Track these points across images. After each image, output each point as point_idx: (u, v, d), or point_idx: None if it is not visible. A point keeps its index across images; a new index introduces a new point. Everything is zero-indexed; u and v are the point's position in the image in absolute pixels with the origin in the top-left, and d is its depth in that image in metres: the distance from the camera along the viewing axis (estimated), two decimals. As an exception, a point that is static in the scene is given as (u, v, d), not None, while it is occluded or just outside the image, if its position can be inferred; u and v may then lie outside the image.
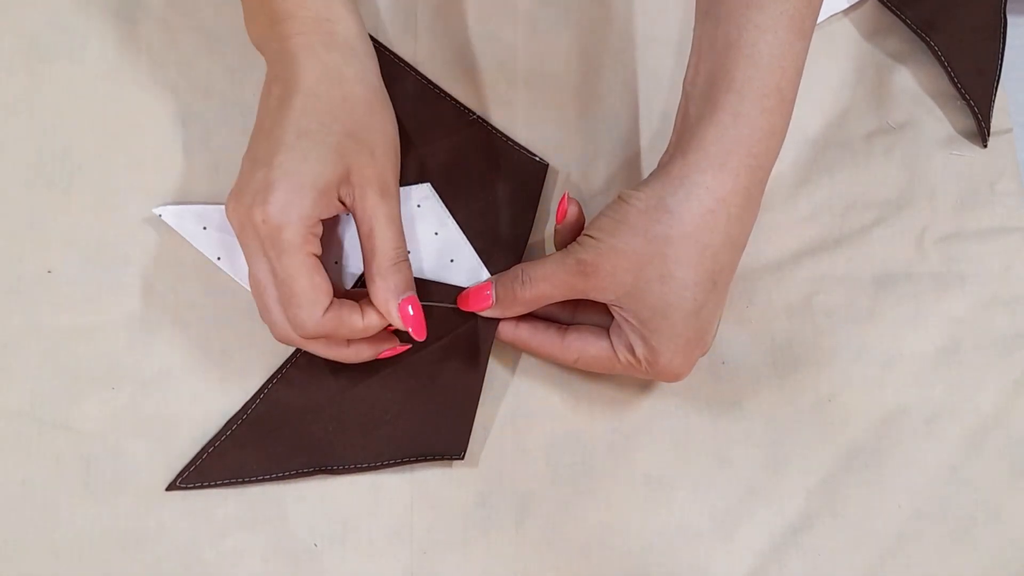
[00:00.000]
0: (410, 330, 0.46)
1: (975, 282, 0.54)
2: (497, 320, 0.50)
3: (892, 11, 0.56)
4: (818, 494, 0.50)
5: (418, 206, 0.52)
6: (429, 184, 0.52)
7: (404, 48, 0.55)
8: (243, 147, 0.46)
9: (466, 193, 0.52)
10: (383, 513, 0.49)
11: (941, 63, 0.56)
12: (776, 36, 0.44)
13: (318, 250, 0.44)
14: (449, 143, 0.53)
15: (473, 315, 0.50)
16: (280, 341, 0.46)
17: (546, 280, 0.46)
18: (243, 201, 0.43)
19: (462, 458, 0.49)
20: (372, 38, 0.54)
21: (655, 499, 0.50)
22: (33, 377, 0.49)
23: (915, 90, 0.57)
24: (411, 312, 0.46)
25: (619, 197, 0.45)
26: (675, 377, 0.47)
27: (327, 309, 0.44)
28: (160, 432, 0.49)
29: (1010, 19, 0.57)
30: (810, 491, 0.50)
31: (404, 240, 0.47)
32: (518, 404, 0.51)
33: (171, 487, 0.48)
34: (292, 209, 0.43)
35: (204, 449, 0.48)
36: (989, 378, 0.52)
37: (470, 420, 0.49)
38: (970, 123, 0.56)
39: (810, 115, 0.56)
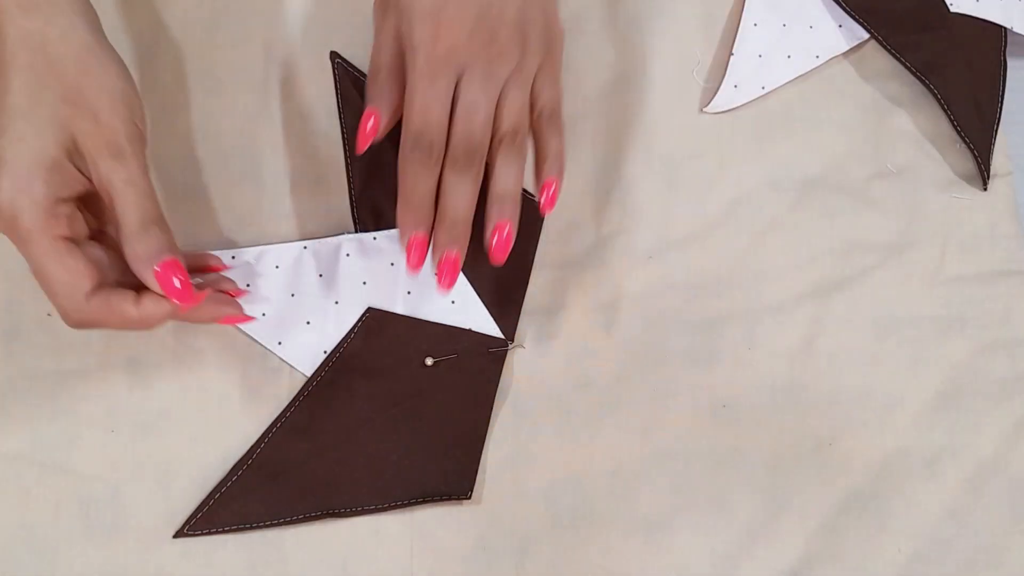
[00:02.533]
0: (173, 299, 0.43)
1: (975, 325, 0.54)
2: (502, 360, 0.50)
3: (892, 54, 0.57)
4: (818, 538, 0.50)
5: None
6: None
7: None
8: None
9: None
10: (383, 557, 0.49)
11: (941, 106, 0.56)
12: None
13: (69, 231, 0.42)
14: None
15: (482, 356, 0.50)
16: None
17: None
18: None
19: (469, 498, 0.49)
20: (364, 75, 0.55)
21: (655, 542, 0.50)
22: (32, 420, 0.49)
23: (915, 133, 0.57)
24: (177, 283, 0.43)
25: None
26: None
27: (90, 294, 0.42)
28: (160, 475, 0.49)
29: (1010, 62, 0.58)
30: (810, 535, 0.50)
31: (153, 202, 0.43)
32: (518, 447, 0.51)
33: (179, 534, 0.48)
34: (21, 195, 0.40)
35: (211, 495, 0.48)
36: (990, 422, 0.52)
37: (476, 460, 0.49)
38: (970, 166, 0.56)
39: (810, 157, 0.56)
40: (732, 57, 0.57)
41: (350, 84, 0.54)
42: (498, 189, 0.47)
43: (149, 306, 0.43)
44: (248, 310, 0.50)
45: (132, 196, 0.43)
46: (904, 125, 0.57)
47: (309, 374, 0.50)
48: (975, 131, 0.56)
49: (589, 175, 0.55)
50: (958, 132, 0.56)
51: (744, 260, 0.54)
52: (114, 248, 0.44)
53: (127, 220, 0.42)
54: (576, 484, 0.50)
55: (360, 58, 0.55)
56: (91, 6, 0.45)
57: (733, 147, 0.56)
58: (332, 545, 0.49)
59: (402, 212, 0.47)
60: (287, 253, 0.52)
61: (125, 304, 0.43)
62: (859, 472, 0.51)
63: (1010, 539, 0.51)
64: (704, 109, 0.56)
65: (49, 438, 0.49)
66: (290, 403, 0.50)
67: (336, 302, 0.51)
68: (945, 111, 0.56)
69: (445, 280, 0.47)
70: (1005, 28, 0.58)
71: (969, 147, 0.56)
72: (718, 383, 0.52)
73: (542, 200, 0.48)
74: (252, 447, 0.49)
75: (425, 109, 0.45)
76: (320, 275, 0.51)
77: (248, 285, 0.51)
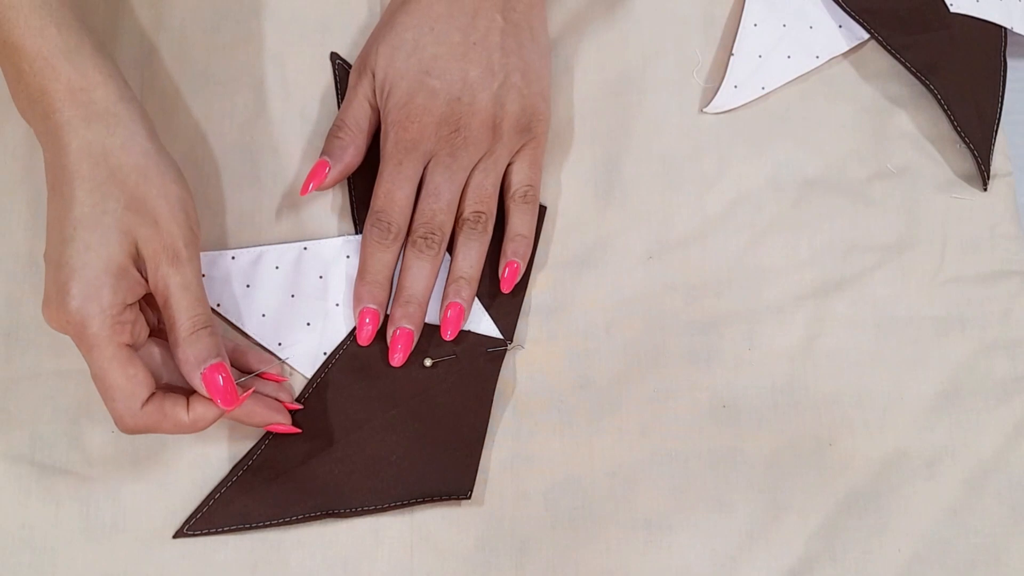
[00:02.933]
0: (218, 401, 0.44)
1: (975, 326, 0.54)
2: (500, 360, 0.50)
3: (892, 54, 0.57)
4: (818, 538, 0.50)
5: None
6: None
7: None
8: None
9: None
10: (383, 557, 0.49)
11: (941, 106, 0.56)
12: None
13: (131, 338, 0.44)
14: None
15: (480, 357, 0.50)
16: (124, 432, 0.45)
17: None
18: (50, 306, 0.43)
19: (468, 497, 0.49)
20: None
21: (655, 543, 0.50)
22: (33, 420, 0.49)
23: (915, 133, 0.57)
24: (220, 382, 0.44)
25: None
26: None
27: (146, 402, 0.43)
28: (160, 475, 0.49)
29: (1010, 62, 0.57)
30: (810, 535, 0.50)
31: (204, 307, 0.45)
32: (518, 448, 0.51)
33: (178, 534, 0.48)
34: (90, 303, 0.42)
35: (211, 495, 0.48)
36: (989, 422, 0.52)
37: (476, 460, 0.50)
38: (970, 166, 0.56)
39: (810, 157, 0.56)
40: (732, 57, 0.57)
41: None
42: (456, 272, 0.50)
43: (199, 409, 0.45)
44: (247, 310, 0.50)
45: (185, 301, 0.44)
46: (904, 125, 0.57)
47: (309, 375, 0.50)
48: (975, 131, 0.56)
49: (589, 175, 0.55)
50: (958, 132, 0.56)
51: (744, 260, 0.54)
52: (167, 347, 0.46)
53: (179, 324, 0.44)
54: (576, 484, 0.50)
55: (360, 58, 0.55)
56: (146, 112, 0.46)
57: (733, 147, 0.56)
58: (332, 545, 0.49)
59: (358, 285, 0.50)
60: (287, 254, 0.52)
61: (178, 410, 0.44)
62: (859, 472, 0.51)
63: (1010, 539, 0.50)
64: (704, 109, 0.56)
65: (49, 438, 0.49)
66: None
67: (336, 304, 0.51)
68: (945, 111, 0.56)
69: (397, 355, 0.50)
70: (1005, 28, 0.58)
71: (969, 147, 0.56)
72: (718, 383, 0.52)
73: (501, 278, 0.51)
74: (252, 448, 0.49)
75: (389, 190, 0.49)
76: (320, 277, 0.51)
77: (248, 285, 0.51)
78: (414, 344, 0.50)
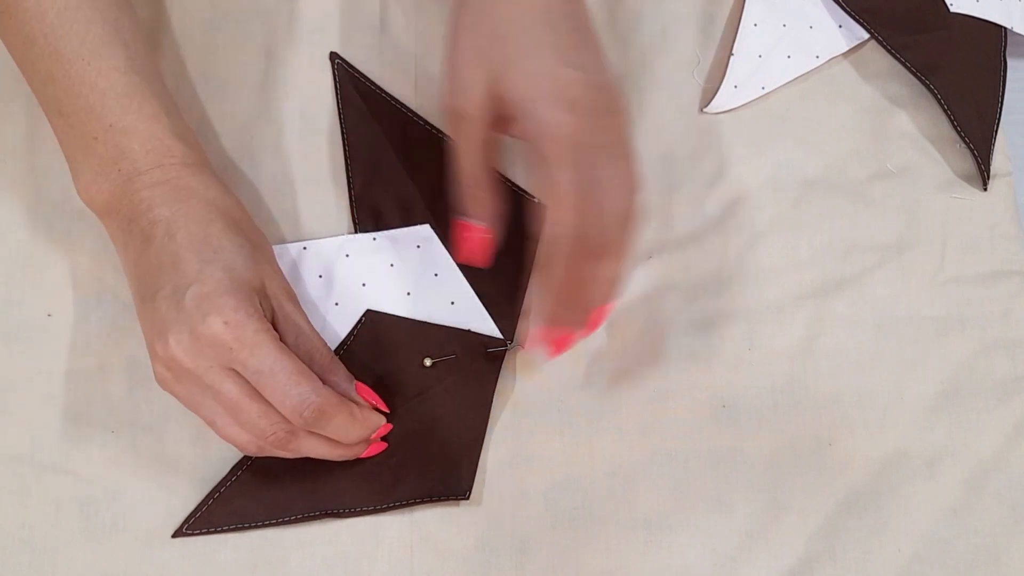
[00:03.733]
0: (374, 403, 0.48)
1: (975, 326, 0.54)
2: (500, 359, 0.50)
3: (892, 54, 0.57)
4: (818, 538, 0.50)
5: (417, 247, 0.52)
6: (428, 225, 0.52)
7: (404, 92, 0.55)
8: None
9: None
10: (383, 557, 0.49)
11: (941, 106, 0.56)
12: None
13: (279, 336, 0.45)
14: (446, 181, 0.53)
15: (480, 357, 0.50)
16: (278, 446, 0.45)
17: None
18: (189, 326, 0.42)
19: (468, 498, 0.49)
20: (371, 81, 0.55)
21: (655, 543, 0.50)
22: (33, 421, 0.49)
23: (915, 133, 0.57)
24: (370, 392, 0.48)
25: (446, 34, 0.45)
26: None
27: (323, 385, 0.44)
28: (159, 476, 0.49)
29: (1010, 62, 0.58)
30: (810, 535, 0.50)
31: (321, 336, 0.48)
32: (518, 448, 0.51)
33: (177, 534, 0.48)
34: (245, 303, 0.43)
35: (210, 495, 0.48)
36: (989, 422, 0.52)
37: (475, 460, 0.50)
38: (970, 166, 0.56)
39: (810, 158, 0.56)
40: (732, 57, 0.57)
41: (350, 85, 0.55)
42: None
43: (367, 410, 0.47)
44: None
45: (315, 334, 0.47)
46: (904, 125, 0.57)
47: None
48: (975, 131, 0.56)
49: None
50: (958, 132, 0.56)
51: (744, 260, 0.54)
52: None
53: (319, 352, 0.47)
54: (576, 484, 0.50)
55: (359, 58, 0.56)
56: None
57: (733, 147, 0.56)
58: (332, 545, 0.49)
59: (558, 308, 0.46)
60: (287, 254, 0.52)
61: (349, 402, 0.46)
62: (859, 472, 0.51)
63: (1010, 539, 0.50)
64: (704, 109, 0.56)
65: (49, 438, 0.49)
66: None
67: (336, 303, 0.51)
68: (945, 111, 0.56)
69: (553, 350, 0.49)
70: (1005, 28, 0.58)
71: (969, 147, 0.56)
72: (718, 383, 0.52)
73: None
74: None
75: (581, 200, 0.43)
76: (320, 276, 0.51)
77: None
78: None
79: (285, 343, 0.45)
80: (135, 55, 0.47)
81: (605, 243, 0.44)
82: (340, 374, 0.47)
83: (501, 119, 0.45)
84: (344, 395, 0.46)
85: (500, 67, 0.43)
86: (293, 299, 0.48)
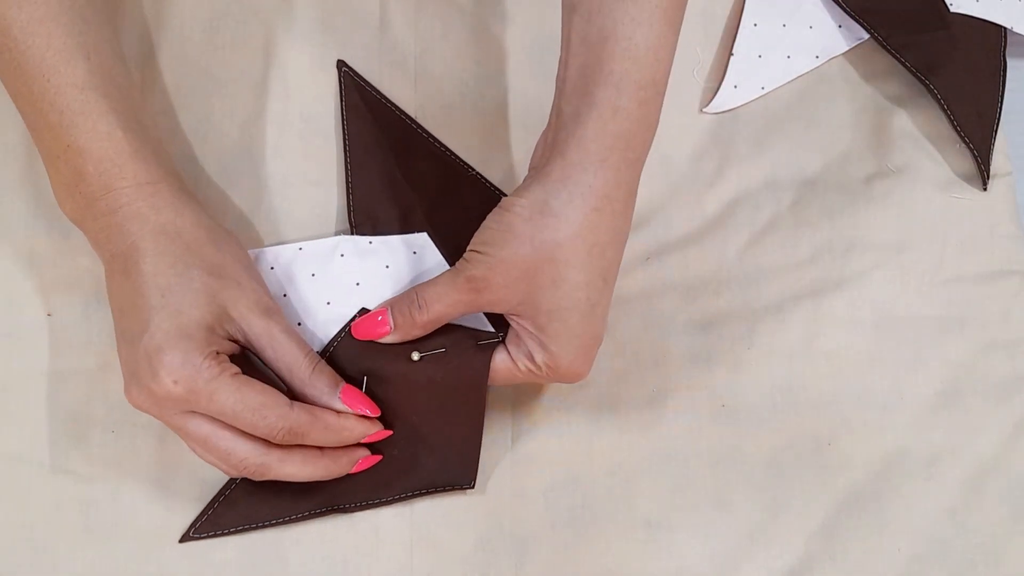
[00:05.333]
0: (366, 412, 0.46)
1: (974, 325, 0.54)
2: (491, 351, 0.50)
3: (892, 54, 0.57)
4: (817, 538, 0.50)
5: (414, 252, 0.52)
6: (425, 234, 0.52)
7: (404, 91, 0.55)
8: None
9: (464, 242, 0.52)
10: (383, 555, 0.49)
11: (941, 106, 0.56)
12: (651, 28, 0.43)
13: (238, 370, 0.44)
14: (446, 195, 0.53)
15: (470, 349, 0.50)
16: (258, 476, 0.45)
17: (440, 301, 0.46)
18: (143, 381, 0.43)
19: (472, 487, 0.49)
20: (371, 86, 0.55)
21: (654, 542, 0.50)
22: (33, 421, 0.49)
23: (915, 133, 0.57)
24: (360, 396, 0.46)
25: (501, 206, 0.45)
26: (577, 377, 0.46)
27: (291, 406, 0.44)
28: (160, 475, 0.49)
29: (1009, 62, 0.58)
30: (809, 535, 0.50)
31: (305, 342, 0.47)
32: (517, 447, 0.51)
33: (185, 538, 0.48)
34: (193, 355, 0.42)
35: (215, 498, 0.48)
36: (989, 422, 0.52)
37: (477, 450, 0.49)
38: (970, 166, 0.56)
39: (810, 157, 0.56)
40: (732, 57, 0.57)
41: (356, 93, 0.55)
42: None
43: (348, 420, 0.46)
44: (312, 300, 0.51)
45: (294, 343, 0.46)
46: (904, 125, 0.57)
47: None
48: (975, 131, 0.56)
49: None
50: (958, 132, 0.56)
51: (744, 260, 0.54)
52: None
53: (297, 364, 0.45)
54: (576, 484, 0.50)
55: (359, 57, 0.55)
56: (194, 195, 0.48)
57: (733, 147, 0.56)
58: (332, 544, 0.49)
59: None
60: (283, 254, 0.52)
61: (324, 412, 0.45)
62: (859, 472, 0.51)
63: (1010, 539, 0.51)
64: (704, 109, 0.56)
65: (50, 439, 0.49)
66: None
67: (328, 302, 0.51)
68: (945, 111, 0.56)
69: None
70: (1005, 28, 0.58)
71: (969, 147, 0.56)
72: (718, 383, 0.52)
73: None
74: None
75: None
76: (313, 274, 0.51)
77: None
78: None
79: (263, 358, 0.45)
80: (97, 69, 0.46)
81: None
82: (321, 383, 0.46)
83: None
84: (326, 405, 0.45)
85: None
86: (267, 310, 0.46)
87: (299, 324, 0.50)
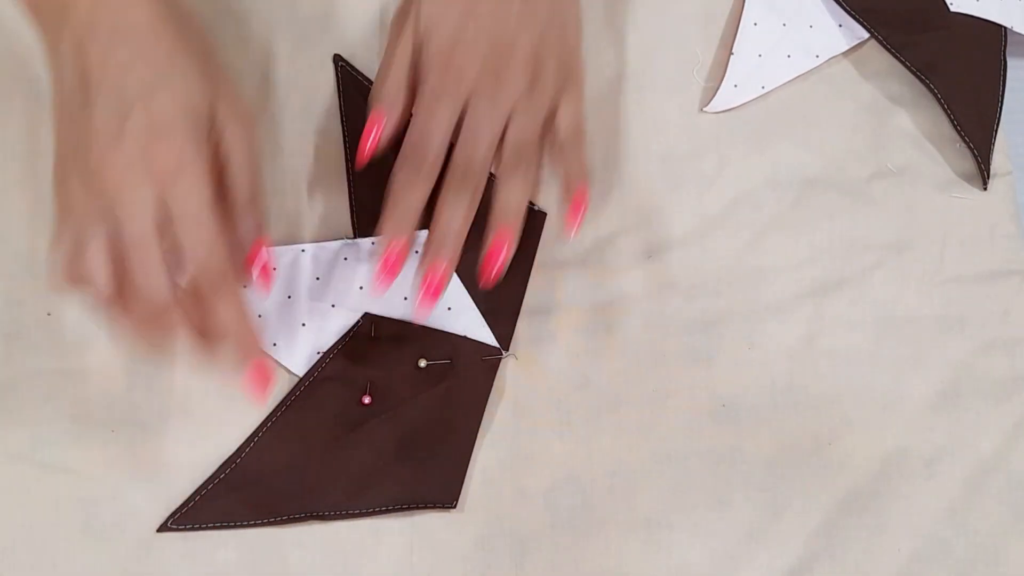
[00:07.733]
0: (257, 274, 0.46)
1: (974, 325, 0.54)
2: (495, 369, 0.50)
3: (892, 53, 0.57)
4: (817, 537, 0.50)
5: (416, 252, 0.52)
6: (427, 232, 0.52)
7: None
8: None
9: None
10: (383, 556, 0.49)
11: (941, 106, 0.56)
12: None
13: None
14: None
15: (475, 364, 0.50)
16: (140, 316, 0.43)
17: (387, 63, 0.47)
18: (122, 147, 0.41)
19: (454, 506, 0.49)
20: (369, 80, 0.55)
21: (655, 542, 0.50)
22: (33, 420, 0.49)
23: (915, 133, 0.57)
24: (264, 258, 0.46)
25: None
26: (450, 66, 0.46)
27: (224, 248, 0.43)
28: (160, 475, 0.49)
29: (1009, 62, 0.58)
30: (809, 534, 0.50)
31: (259, 178, 0.46)
32: (517, 447, 0.51)
33: (162, 528, 0.48)
34: (201, 132, 0.42)
35: (196, 492, 0.48)
36: (989, 421, 0.52)
37: (463, 470, 0.49)
38: (970, 166, 0.56)
39: (810, 157, 0.56)
40: (732, 57, 0.57)
41: (353, 88, 0.55)
42: (499, 205, 0.47)
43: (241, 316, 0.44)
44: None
45: (252, 165, 0.45)
46: (904, 125, 0.57)
47: (301, 374, 0.50)
48: (975, 131, 0.56)
49: (589, 175, 0.55)
50: (958, 132, 0.56)
51: (744, 259, 0.54)
52: None
53: (241, 189, 0.44)
54: (576, 484, 0.50)
55: (360, 58, 0.55)
56: None
57: (733, 147, 0.56)
58: (332, 545, 0.49)
59: (385, 220, 0.47)
60: (285, 256, 0.52)
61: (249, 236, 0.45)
62: (859, 472, 0.51)
63: (1010, 539, 0.50)
64: (704, 109, 0.56)
65: (49, 438, 0.49)
66: (279, 405, 0.50)
67: (332, 305, 0.51)
68: (945, 111, 0.56)
69: (427, 297, 0.46)
70: (1005, 28, 0.58)
71: (969, 147, 0.56)
72: (718, 383, 0.52)
73: (568, 210, 0.48)
74: (240, 446, 0.49)
75: (426, 127, 0.46)
76: (317, 278, 0.51)
77: (246, 287, 0.51)
78: (447, 286, 0.47)
79: (227, 169, 0.44)
80: None
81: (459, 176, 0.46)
82: (250, 219, 0.45)
83: None
84: (243, 234, 0.45)
85: None
86: (246, 121, 0.45)
87: (303, 325, 0.51)
